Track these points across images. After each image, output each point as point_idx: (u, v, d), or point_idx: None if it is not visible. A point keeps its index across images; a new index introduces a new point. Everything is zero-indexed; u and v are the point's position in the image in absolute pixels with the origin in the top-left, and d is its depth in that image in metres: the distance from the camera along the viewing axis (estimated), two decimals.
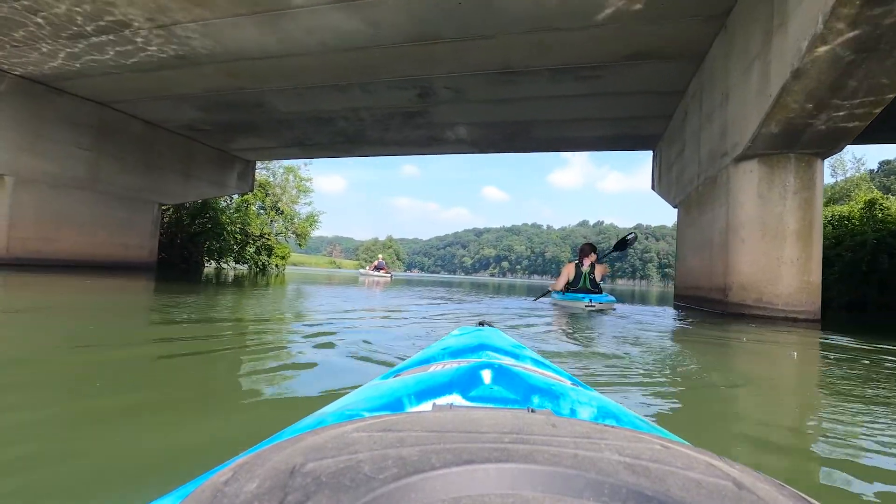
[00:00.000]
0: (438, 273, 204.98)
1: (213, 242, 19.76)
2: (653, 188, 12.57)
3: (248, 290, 7.53)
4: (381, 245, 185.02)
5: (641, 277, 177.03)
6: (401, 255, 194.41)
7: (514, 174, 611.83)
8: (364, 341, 2.75)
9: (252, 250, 21.18)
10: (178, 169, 13.76)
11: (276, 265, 21.92)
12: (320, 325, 3.54)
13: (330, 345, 2.65)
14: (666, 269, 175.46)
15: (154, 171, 12.97)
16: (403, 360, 0.96)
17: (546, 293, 7.88)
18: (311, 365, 2.17)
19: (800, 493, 0.26)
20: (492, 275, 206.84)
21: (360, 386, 0.66)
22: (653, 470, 0.25)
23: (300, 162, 23.43)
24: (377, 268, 21.91)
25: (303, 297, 7.16)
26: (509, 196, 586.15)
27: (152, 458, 1.07)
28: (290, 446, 0.28)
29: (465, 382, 0.52)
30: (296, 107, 11.05)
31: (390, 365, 1.81)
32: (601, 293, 6.67)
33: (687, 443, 0.33)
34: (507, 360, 0.68)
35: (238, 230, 20.27)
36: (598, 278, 6.81)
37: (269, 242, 21.55)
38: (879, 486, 1.08)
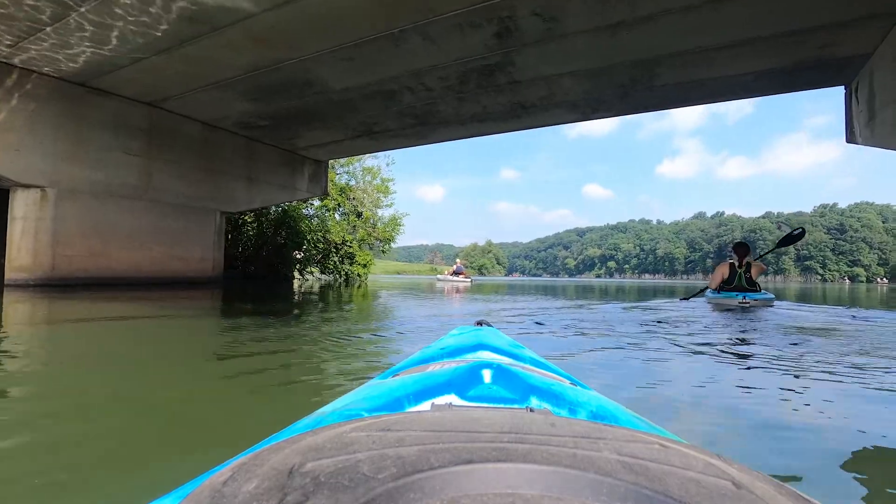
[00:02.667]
0: (540, 276, 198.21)
1: (297, 252, 18.80)
2: (850, 139, 8.59)
3: (309, 309, 5.98)
4: (481, 250, 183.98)
5: (776, 272, 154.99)
6: (501, 259, 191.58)
7: (618, 169, 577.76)
8: (364, 339, 3.08)
9: (336, 259, 19.89)
10: (241, 173, 12.53)
11: (359, 274, 20.37)
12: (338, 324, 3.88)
13: (330, 345, 2.87)
14: (806, 262, 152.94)
15: (214, 176, 11.80)
16: (402, 359, 0.85)
17: (700, 292, 8.33)
18: (310, 364, 2.30)
19: (798, 492, 0.25)
20: (597, 276, 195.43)
21: (358, 386, 0.65)
22: (651, 469, 0.25)
23: (382, 162, 21.93)
24: (456, 272, 20.44)
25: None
26: (613, 192, 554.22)
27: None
28: (289, 446, 0.28)
29: (464, 382, 0.51)
30: (349, 79, 9.01)
31: (389, 364, 1.56)
32: (759, 290, 6.71)
33: (686, 442, 0.32)
34: (505, 360, 0.67)
35: (320, 238, 19.06)
36: (754, 276, 6.81)
37: (350, 250, 20.09)
38: None
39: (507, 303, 7.99)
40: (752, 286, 6.76)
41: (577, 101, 9.85)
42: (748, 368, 2.43)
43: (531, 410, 0.39)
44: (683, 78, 8.64)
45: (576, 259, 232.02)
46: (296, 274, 19.18)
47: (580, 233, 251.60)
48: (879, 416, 1.59)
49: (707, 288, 7.69)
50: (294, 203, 18.15)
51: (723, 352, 2.87)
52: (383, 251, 22.08)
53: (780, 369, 2.34)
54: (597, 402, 0.53)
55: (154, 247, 10.56)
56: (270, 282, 15.86)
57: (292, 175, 14.16)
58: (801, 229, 7.71)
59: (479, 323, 1.15)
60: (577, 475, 0.24)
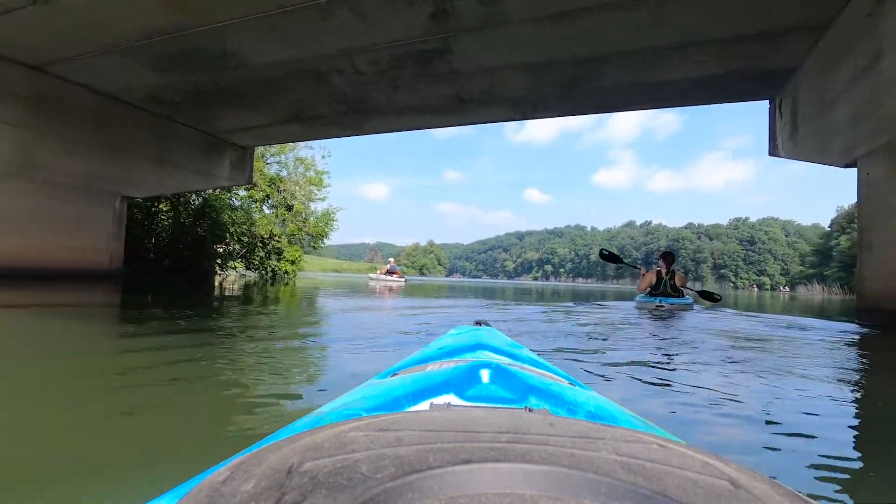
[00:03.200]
0: (480, 277, 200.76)
1: (218, 245, 17.36)
2: (773, 153, 8.88)
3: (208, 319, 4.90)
4: (423, 250, 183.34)
5: (695, 279, 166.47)
6: (442, 259, 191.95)
7: (557, 175, 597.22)
8: (361, 339, 2.85)
9: (262, 254, 18.53)
10: (150, 154, 11.18)
11: (286, 271, 19.12)
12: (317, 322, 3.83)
13: (327, 343, 2.73)
14: (721, 270, 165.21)
15: (115, 155, 10.41)
16: (400, 359, 0.83)
17: (623, 262, 9.28)
18: (309, 363, 2.19)
19: (796, 492, 0.26)
20: (535, 279, 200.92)
21: (357, 385, 0.64)
22: (649, 469, 0.25)
23: (318, 153, 20.81)
24: (389, 272, 19.85)
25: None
26: (552, 197, 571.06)
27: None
28: (287, 446, 0.28)
29: (463, 382, 0.51)
30: (272, 54, 8.15)
31: (387, 364, 1.18)
32: (681, 296, 7.30)
33: (684, 442, 0.32)
34: (504, 360, 0.66)
35: (244, 231, 17.66)
36: (677, 284, 7.36)
37: (278, 245, 18.79)
38: None
39: (434, 300, 7.51)
40: (676, 292, 7.37)
41: (518, 97, 9.54)
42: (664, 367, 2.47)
43: (529, 410, 0.39)
44: (624, 80, 8.55)
45: (515, 262, 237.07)
46: (217, 269, 17.71)
47: (520, 236, 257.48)
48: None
49: (634, 265, 8.99)
50: (217, 192, 16.74)
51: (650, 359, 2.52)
52: (314, 247, 20.87)
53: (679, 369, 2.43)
54: (595, 402, 0.53)
55: (38, 234, 9.09)
56: (188, 277, 14.48)
57: (211, 160, 12.90)
58: (720, 297, 8.71)
59: (478, 323, 1.15)
60: (576, 475, 0.24)
